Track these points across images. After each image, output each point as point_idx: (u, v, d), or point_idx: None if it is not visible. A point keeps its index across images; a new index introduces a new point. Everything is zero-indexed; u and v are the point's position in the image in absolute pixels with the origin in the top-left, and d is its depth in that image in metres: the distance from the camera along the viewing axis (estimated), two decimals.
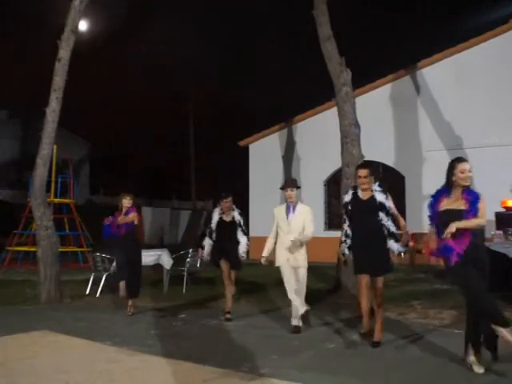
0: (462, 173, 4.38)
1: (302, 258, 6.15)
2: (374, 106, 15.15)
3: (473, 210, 4.29)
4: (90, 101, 30.29)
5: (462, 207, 4.35)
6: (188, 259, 9.76)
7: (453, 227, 4.21)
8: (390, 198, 5.50)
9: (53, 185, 14.89)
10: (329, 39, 9.16)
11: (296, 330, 6.04)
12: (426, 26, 32.89)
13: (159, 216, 27.19)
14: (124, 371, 4.54)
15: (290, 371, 4.49)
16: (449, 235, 4.23)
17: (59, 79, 8.75)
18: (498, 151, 13.53)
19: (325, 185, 16.92)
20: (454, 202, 4.42)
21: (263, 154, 18.33)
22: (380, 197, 5.45)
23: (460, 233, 4.26)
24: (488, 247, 8.81)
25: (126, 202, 7.31)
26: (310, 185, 16.42)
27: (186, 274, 9.54)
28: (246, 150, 18.88)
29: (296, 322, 6.13)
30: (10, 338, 5.78)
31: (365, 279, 5.37)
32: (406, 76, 15.72)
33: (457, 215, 4.30)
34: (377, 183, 5.58)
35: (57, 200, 15.31)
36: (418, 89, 15.42)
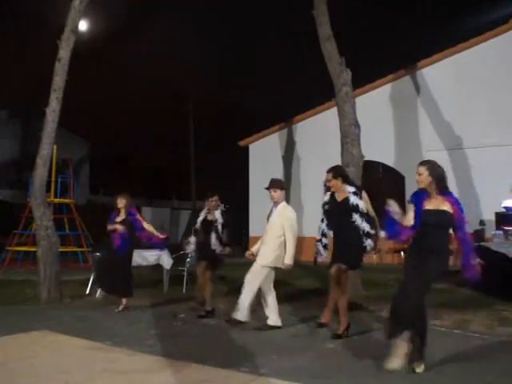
0: (418, 175, 4.56)
1: (262, 255, 6.17)
2: (374, 105, 15.16)
3: (462, 213, 4.48)
4: (90, 101, 30.28)
5: (442, 207, 4.46)
6: (188, 259, 9.76)
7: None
8: (365, 198, 5.72)
9: (53, 185, 14.89)
10: (329, 39, 9.15)
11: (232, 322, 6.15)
12: (426, 25, 32.88)
13: (159, 216, 27.19)
14: (124, 371, 4.54)
15: (290, 371, 4.49)
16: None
17: (59, 79, 8.75)
18: (498, 151, 13.53)
19: (325, 185, 16.93)
20: (431, 203, 4.51)
21: (263, 153, 18.33)
22: (353, 199, 5.66)
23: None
24: (488, 247, 8.87)
25: (118, 202, 7.54)
26: (309, 185, 16.44)
27: (185, 273, 9.54)
28: (246, 149, 18.89)
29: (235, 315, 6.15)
30: (10, 338, 5.77)
31: (333, 271, 5.66)
32: (406, 76, 15.74)
33: (440, 215, 4.43)
34: (351, 186, 5.80)
35: (57, 200, 15.30)
36: (417, 89, 15.43)
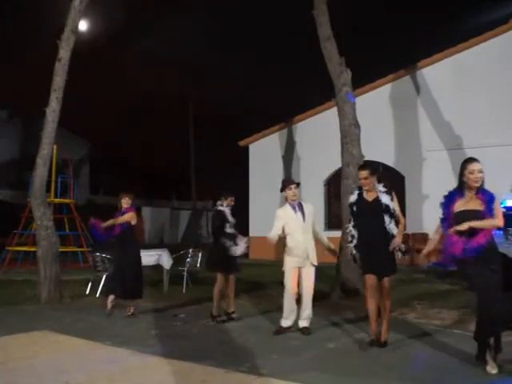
0: (471, 173, 4.33)
1: (315, 255, 6.09)
2: (374, 105, 15.16)
3: (490, 210, 4.25)
4: (90, 101, 30.30)
5: (478, 208, 4.29)
6: (188, 259, 9.77)
7: (465, 225, 4.17)
8: (395, 198, 5.44)
9: (53, 185, 14.90)
10: (329, 39, 9.15)
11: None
12: (426, 25, 32.91)
13: (159, 216, 27.22)
14: (124, 371, 4.54)
15: (290, 371, 4.49)
16: (454, 231, 4.21)
17: (59, 79, 8.75)
18: (498, 151, 13.53)
19: (325, 185, 16.93)
20: (468, 203, 4.36)
21: (263, 153, 18.34)
22: (385, 198, 5.36)
23: (474, 233, 4.20)
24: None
25: (125, 202, 7.29)
26: (309, 185, 16.43)
27: (185, 273, 9.54)
28: (246, 149, 18.89)
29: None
30: (10, 338, 5.77)
31: (371, 280, 5.30)
32: (406, 76, 15.74)
33: (474, 216, 4.25)
34: (381, 184, 5.48)
35: (57, 200, 15.31)
36: (417, 89, 15.43)
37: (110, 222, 7.15)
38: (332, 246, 6.35)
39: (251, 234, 17.48)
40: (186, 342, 5.69)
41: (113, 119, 32.48)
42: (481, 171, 4.34)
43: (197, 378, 4.35)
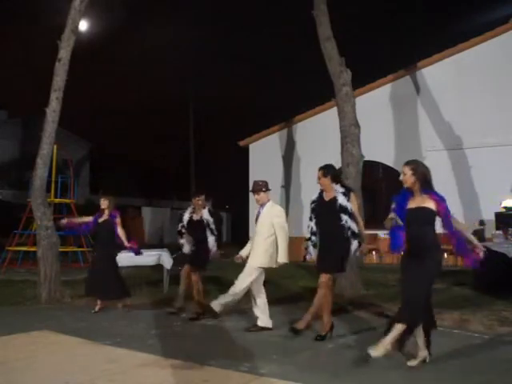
0: (403, 175, 4.66)
1: (254, 256, 6.09)
2: (374, 105, 15.15)
3: (447, 211, 4.51)
4: (90, 101, 30.31)
5: (426, 205, 4.53)
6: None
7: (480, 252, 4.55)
8: (353, 199, 5.66)
9: (53, 185, 14.88)
10: (329, 39, 9.16)
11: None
12: (426, 26, 32.92)
13: (159, 216, 27.17)
14: (124, 371, 4.54)
15: (290, 371, 4.49)
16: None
17: (59, 79, 8.75)
18: (498, 151, 13.53)
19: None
20: (415, 201, 4.59)
21: (263, 153, 18.31)
22: (341, 199, 5.60)
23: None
24: (488, 247, 8.87)
25: (101, 203, 7.62)
26: (309, 185, 16.36)
27: None
28: (246, 149, 18.88)
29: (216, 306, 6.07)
30: (10, 338, 5.77)
31: (321, 278, 5.59)
32: (406, 76, 15.73)
33: (426, 213, 4.50)
34: (338, 184, 5.75)
35: (57, 200, 15.29)
36: (417, 89, 15.42)
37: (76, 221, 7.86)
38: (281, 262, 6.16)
39: (251, 234, 17.47)
40: (186, 341, 5.69)
41: (113, 119, 32.48)
42: (405, 173, 4.64)
43: (197, 377, 4.35)
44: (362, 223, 5.67)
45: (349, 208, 5.55)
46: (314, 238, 5.72)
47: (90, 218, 7.79)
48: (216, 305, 5.98)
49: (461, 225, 4.94)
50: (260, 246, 6.09)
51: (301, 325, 5.60)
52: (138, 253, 7.88)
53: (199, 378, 4.32)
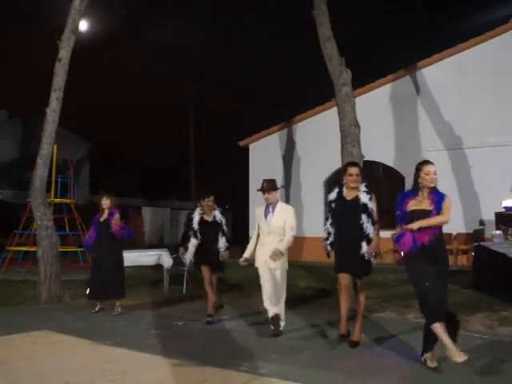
0: (427, 174, 4.53)
1: (282, 259, 5.94)
2: (374, 106, 15.15)
3: (437, 209, 4.44)
4: (90, 101, 30.31)
5: (428, 207, 4.49)
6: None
7: (414, 225, 4.39)
8: (374, 199, 5.43)
9: (53, 185, 14.88)
10: (329, 39, 9.15)
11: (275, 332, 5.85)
12: (426, 26, 32.93)
13: (159, 216, 27.18)
14: (124, 371, 4.55)
15: (290, 371, 4.50)
16: (406, 229, 4.44)
17: (59, 79, 8.75)
18: (498, 151, 13.53)
19: (325, 185, 16.92)
20: (420, 203, 4.54)
21: (263, 153, 18.31)
22: (364, 198, 5.38)
23: (423, 230, 4.41)
24: (488, 247, 8.88)
25: (102, 202, 7.57)
26: (309, 185, 16.43)
27: (186, 273, 9.53)
28: (246, 149, 18.88)
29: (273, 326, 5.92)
30: (10, 338, 5.77)
31: (345, 280, 5.36)
32: (406, 76, 15.73)
33: (423, 215, 4.44)
34: (364, 183, 5.50)
35: (57, 200, 15.29)
36: (417, 89, 15.42)
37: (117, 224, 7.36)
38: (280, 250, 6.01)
39: (251, 234, 17.48)
40: (186, 341, 5.69)
41: (113, 119, 32.49)
42: (435, 173, 4.55)
43: (197, 377, 4.36)
44: (378, 225, 5.45)
45: (369, 207, 5.34)
46: (331, 238, 5.51)
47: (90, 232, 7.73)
48: (282, 325, 5.94)
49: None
50: (275, 246, 5.93)
51: (357, 336, 5.37)
52: (127, 235, 7.65)
53: (199, 378, 4.32)
